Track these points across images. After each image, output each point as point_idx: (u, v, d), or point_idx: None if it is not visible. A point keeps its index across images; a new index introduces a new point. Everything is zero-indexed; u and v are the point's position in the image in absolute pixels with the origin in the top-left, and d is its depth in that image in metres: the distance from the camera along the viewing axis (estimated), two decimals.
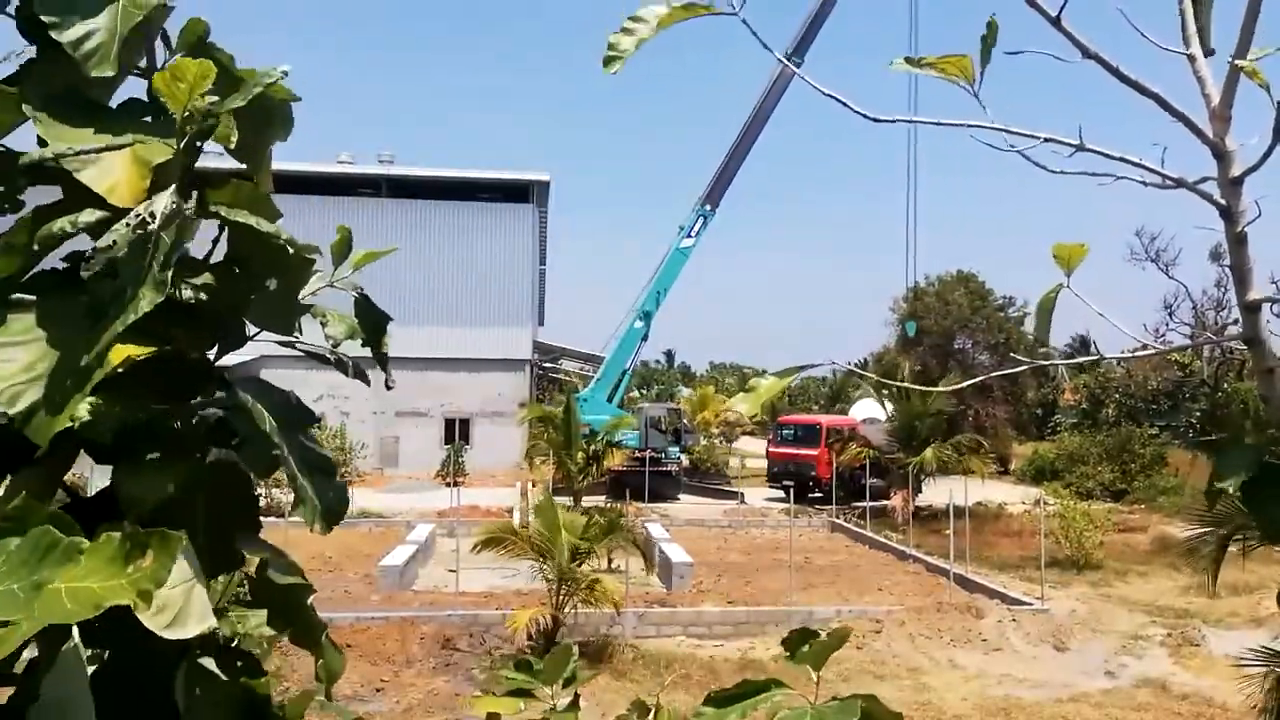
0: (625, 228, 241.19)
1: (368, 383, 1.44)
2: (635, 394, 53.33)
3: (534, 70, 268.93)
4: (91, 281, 0.97)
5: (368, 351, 1.43)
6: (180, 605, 0.88)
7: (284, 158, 39.45)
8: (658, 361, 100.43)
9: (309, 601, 1.19)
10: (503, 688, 1.94)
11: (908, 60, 1.73)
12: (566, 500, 20.87)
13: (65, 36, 1.01)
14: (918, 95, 31.45)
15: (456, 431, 39.76)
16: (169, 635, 0.86)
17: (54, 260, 1.09)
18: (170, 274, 0.97)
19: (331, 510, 1.19)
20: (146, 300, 0.95)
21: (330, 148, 74.18)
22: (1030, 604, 16.57)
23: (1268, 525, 1.75)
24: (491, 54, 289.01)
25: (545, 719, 1.85)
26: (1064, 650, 14.94)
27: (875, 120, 1.82)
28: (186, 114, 1.03)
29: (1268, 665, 8.64)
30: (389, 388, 1.44)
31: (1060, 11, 1.64)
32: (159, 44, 1.14)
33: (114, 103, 1.13)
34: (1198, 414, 36.93)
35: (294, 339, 1.26)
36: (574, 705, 1.88)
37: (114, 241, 0.97)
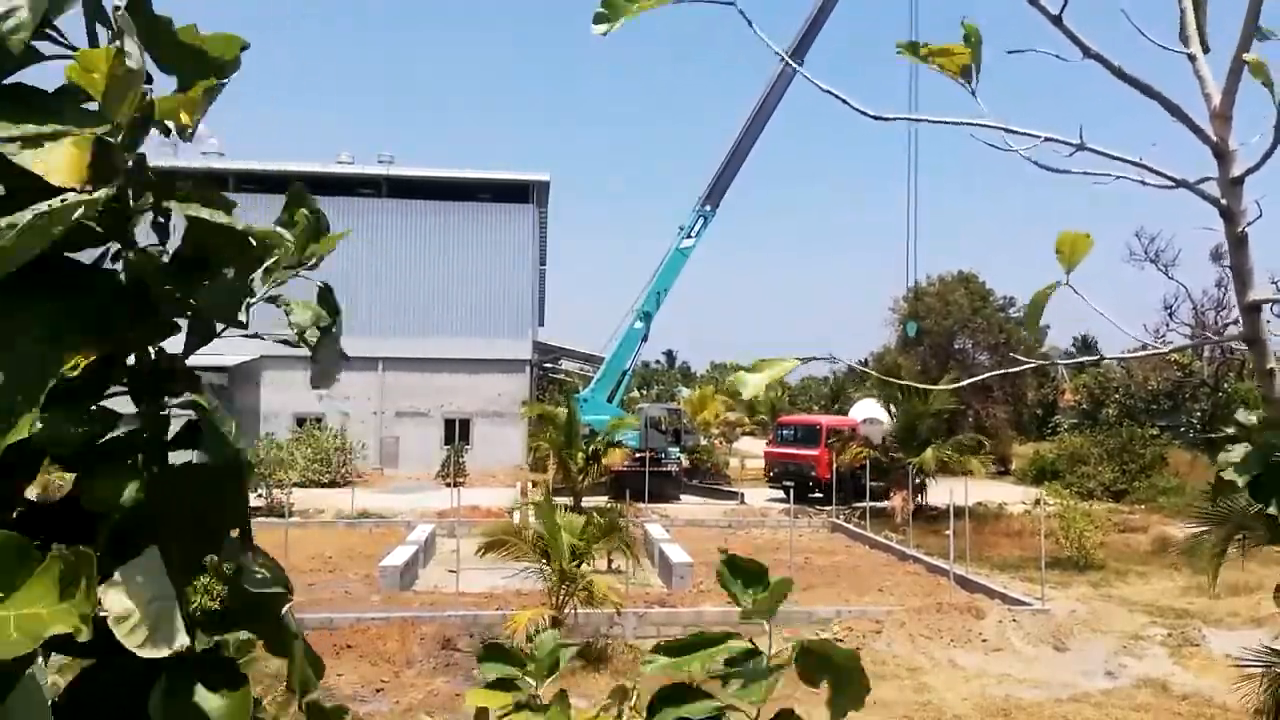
0: (626, 227, 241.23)
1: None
2: (635, 394, 53.31)
3: (535, 70, 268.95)
4: None
5: (343, 349, 1.36)
6: (153, 624, 0.86)
7: (285, 157, 39.53)
8: (658, 362, 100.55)
9: (286, 609, 1.16)
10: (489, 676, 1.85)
11: (910, 47, 1.72)
12: (567, 500, 20.86)
13: None
14: (918, 95, 31.46)
15: (457, 432, 39.75)
16: (144, 654, 0.84)
17: None
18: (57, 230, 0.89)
19: None
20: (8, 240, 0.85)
21: (330, 148, 74.22)
22: (1030, 604, 16.55)
23: (1273, 522, 1.75)
24: (492, 54, 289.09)
25: (528, 703, 1.78)
26: (1064, 650, 14.93)
27: (876, 118, 1.81)
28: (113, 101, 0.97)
29: (1267, 665, 8.63)
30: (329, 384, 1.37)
31: (1062, 10, 1.64)
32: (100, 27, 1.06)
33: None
34: (1198, 414, 36.94)
35: (259, 332, 1.21)
36: (562, 697, 1.78)
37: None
